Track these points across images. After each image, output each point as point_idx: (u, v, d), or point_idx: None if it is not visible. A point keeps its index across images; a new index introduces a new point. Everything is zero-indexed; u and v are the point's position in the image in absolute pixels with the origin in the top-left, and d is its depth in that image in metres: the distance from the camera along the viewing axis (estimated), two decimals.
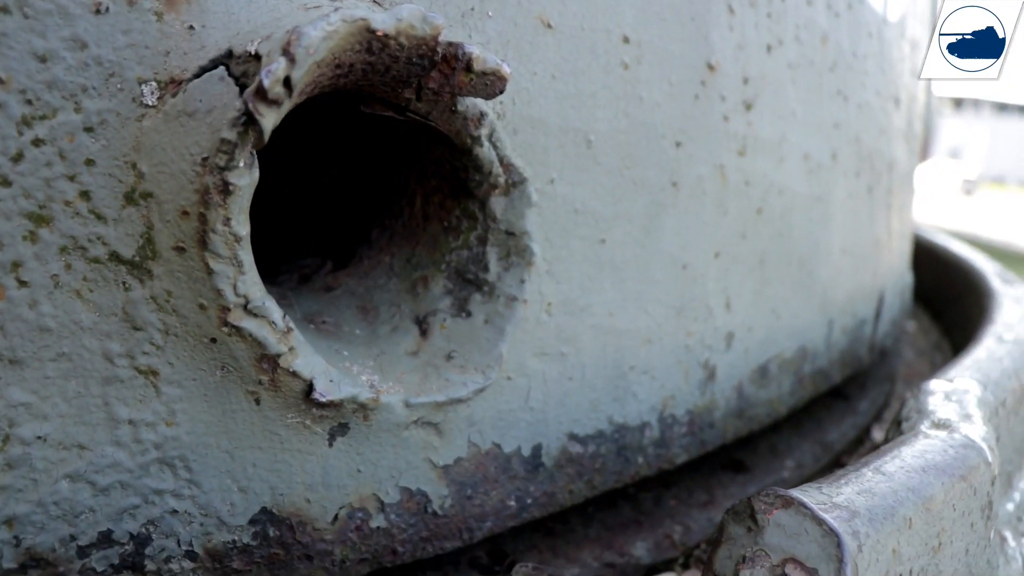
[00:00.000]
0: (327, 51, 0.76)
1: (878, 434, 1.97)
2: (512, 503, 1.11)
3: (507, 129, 1.01)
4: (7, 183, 0.76)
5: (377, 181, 1.15)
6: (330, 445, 0.96)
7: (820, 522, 0.80)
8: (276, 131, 0.80)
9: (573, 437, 1.17)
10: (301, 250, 1.20)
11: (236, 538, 0.93)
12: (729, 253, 1.36)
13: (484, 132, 0.96)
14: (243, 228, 0.82)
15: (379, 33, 0.78)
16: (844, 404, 2.00)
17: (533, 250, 1.05)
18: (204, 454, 0.90)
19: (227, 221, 0.80)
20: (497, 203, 1.03)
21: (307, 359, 0.89)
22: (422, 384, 1.00)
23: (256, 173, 0.81)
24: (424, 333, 1.05)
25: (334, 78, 0.81)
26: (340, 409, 0.93)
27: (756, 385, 1.48)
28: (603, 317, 1.17)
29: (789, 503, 0.82)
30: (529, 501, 1.13)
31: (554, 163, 1.07)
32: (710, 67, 1.24)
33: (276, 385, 0.89)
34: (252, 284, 0.84)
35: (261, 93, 0.74)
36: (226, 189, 0.79)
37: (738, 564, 0.82)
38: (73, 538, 0.85)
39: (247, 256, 0.83)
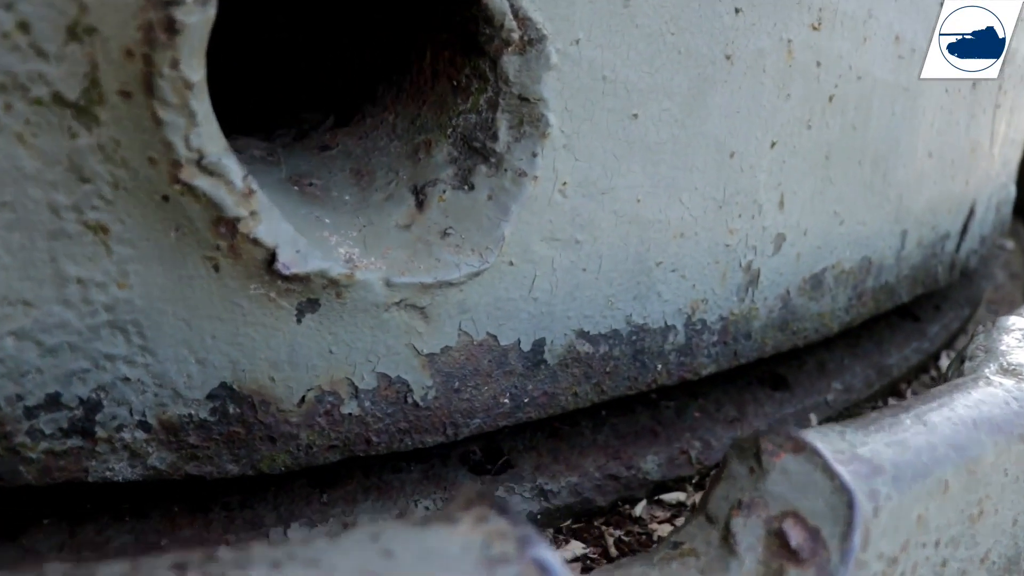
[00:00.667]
0: None
1: (947, 363, 1.81)
2: (506, 400, 1.02)
3: None
4: None
5: (388, 31, 1.03)
6: (298, 322, 0.87)
7: (833, 475, 0.68)
8: None
9: (582, 335, 1.07)
10: (306, 103, 1.10)
11: (193, 412, 0.87)
12: (788, 143, 1.21)
13: None
14: (195, 73, 0.72)
15: None
16: (912, 325, 1.83)
17: (549, 120, 0.94)
18: (159, 320, 0.83)
19: (175, 64, 0.71)
20: (510, 62, 0.91)
21: (271, 225, 0.80)
22: (409, 262, 0.91)
23: (212, 10, 0.71)
24: (420, 205, 0.95)
25: None
26: (308, 283, 0.85)
27: (806, 296, 1.35)
28: (628, 203, 1.05)
29: (801, 447, 0.70)
30: (526, 400, 1.04)
31: (581, 20, 0.93)
32: None
33: (235, 252, 0.81)
34: (207, 137, 0.75)
35: None
36: (171, 27, 0.69)
37: (733, 509, 0.71)
38: (20, 397, 0.80)
39: (201, 105, 0.74)
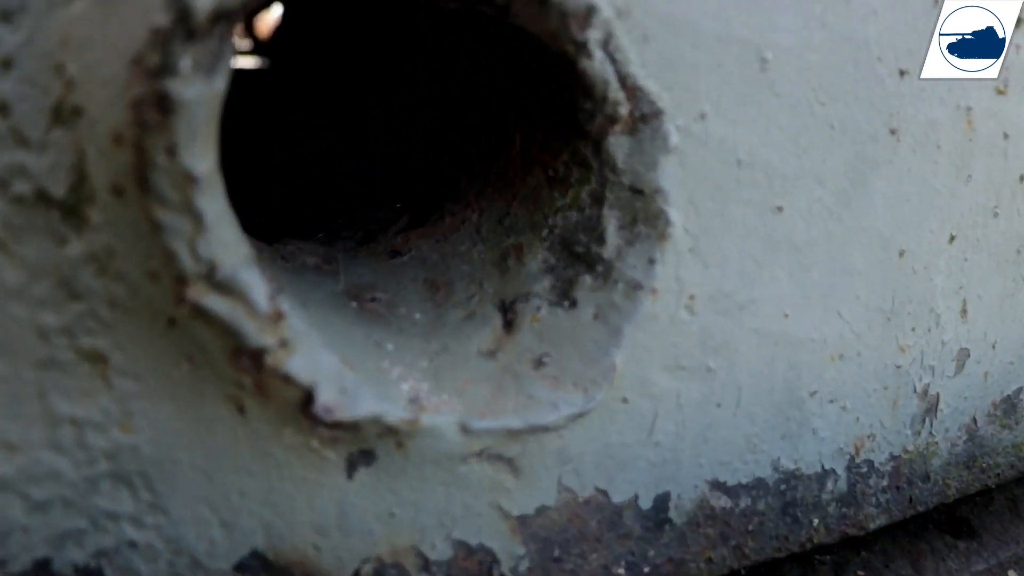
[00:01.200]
0: None
1: None
2: (621, 571, 0.83)
3: (633, 35, 0.71)
4: None
5: (474, 111, 0.87)
6: (349, 477, 0.71)
7: None
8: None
9: (717, 486, 0.87)
10: (378, 200, 0.94)
11: None
12: (970, 237, 1.01)
13: (594, 37, 0.69)
14: (200, 162, 0.57)
15: None
16: None
17: (669, 216, 0.76)
18: (173, 472, 0.68)
19: (172, 151, 0.57)
20: (618, 144, 0.74)
21: (309, 357, 0.64)
22: (493, 400, 0.73)
23: (219, 82, 0.57)
24: (509, 325, 0.78)
25: None
26: (359, 432, 0.68)
27: (997, 424, 1.12)
28: (773, 319, 0.86)
29: None
30: (647, 570, 0.84)
31: (707, 89, 0.77)
32: None
33: (263, 390, 0.66)
34: (220, 245, 0.60)
35: None
36: (164, 103, 0.54)
37: None
38: (2, 563, 0.67)
39: (212, 204, 0.59)
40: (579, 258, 0.78)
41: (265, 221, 0.81)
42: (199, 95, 0.55)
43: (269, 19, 2.64)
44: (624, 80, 0.71)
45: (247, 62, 2.56)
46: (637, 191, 0.75)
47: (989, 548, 1.16)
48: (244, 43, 2.82)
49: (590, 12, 0.66)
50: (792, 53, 0.81)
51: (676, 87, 0.75)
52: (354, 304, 0.77)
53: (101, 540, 0.68)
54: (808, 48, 0.81)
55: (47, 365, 0.64)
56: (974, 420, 1.09)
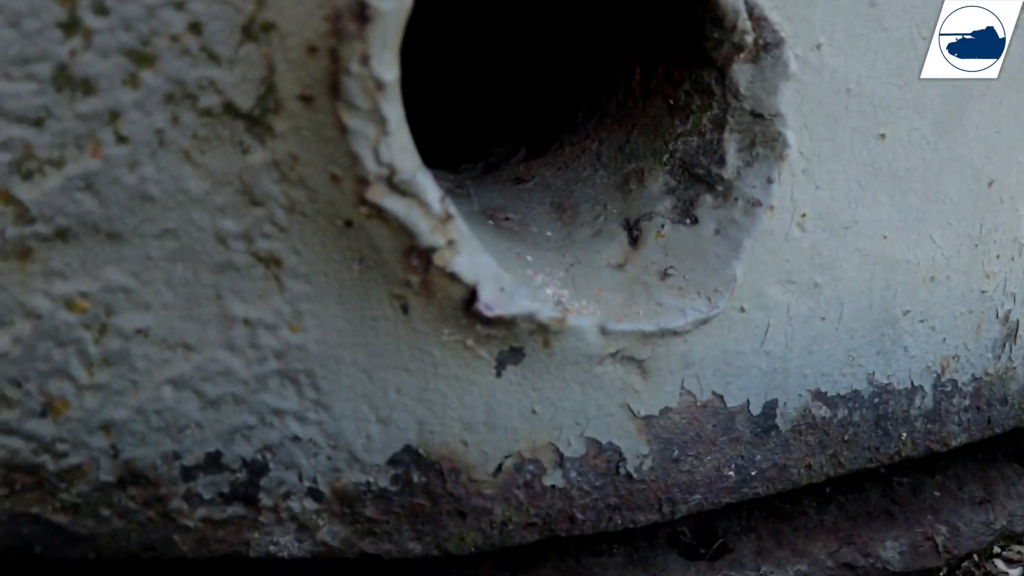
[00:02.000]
0: None
1: None
2: (731, 473, 0.87)
3: None
4: (104, 11, 0.61)
5: (589, 49, 0.91)
6: (498, 375, 0.76)
7: None
8: None
9: (819, 396, 0.92)
10: (493, 137, 0.99)
11: (371, 480, 0.76)
12: None
13: None
14: (389, 71, 0.62)
15: None
16: None
17: (787, 139, 0.81)
18: (336, 370, 0.73)
19: (365, 59, 0.61)
20: (742, 72, 0.79)
21: (472, 257, 0.69)
22: (626, 307, 0.78)
23: None
24: (635, 241, 0.82)
25: None
26: (513, 328, 0.73)
27: None
28: (874, 240, 0.90)
29: None
30: (754, 473, 0.89)
31: (823, 21, 0.81)
32: None
33: (429, 289, 0.70)
34: (400, 150, 0.64)
35: None
36: (363, 14, 0.59)
37: None
38: (177, 456, 0.71)
39: (394, 111, 0.64)
40: (699, 179, 0.82)
41: None
42: (393, 7, 0.59)
43: None
44: (752, 11, 0.75)
45: None
46: (757, 115, 0.79)
47: None
48: None
49: None
50: None
51: (796, 18, 0.79)
52: (491, 222, 0.82)
53: (267, 435, 0.72)
54: None
55: (224, 268, 0.67)
56: None
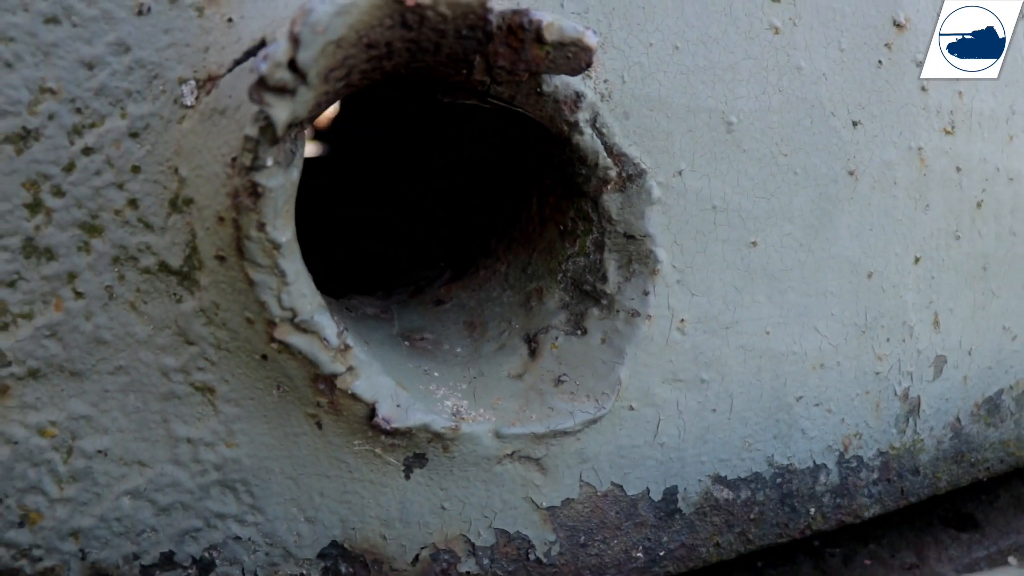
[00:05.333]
0: (345, 28, 0.65)
1: None
2: (639, 555, 0.95)
3: (615, 113, 0.87)
4: (60, 193, 0.73)
5: (496, 182, 1.03)
6: (407, 477, 0.86)
7: None
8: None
9: (719, 480, 0.99)
10: (424, 262, 1.11)
11: (305, 572, 0.85)
12: (935, 258, 1.12)
13: (583, 117, 0.83)
14: (282, 234, 0.74)
15: (410, 4, 0.66)
16: None
17: (658, 256, 0.91)
18: (267, 479, 0.83)
19: (261, 226, 0.73)
20: (612, 200, 0.89)
21: (370, 380, 0.80)
22: (520, 412, 0.88)
23: (295, 173, 0.73)
24: (533, 353, 0.92)
25: (372, 60, 0.71)
26: (412, 438, 0.83)
27: (981, 422, 1.21)
28: (756, 336, 0.99)
29: None
30: (662, 553, 0.97)
31: (681, 151, 0.91)
32: (897, 25, 1.01)
33: (336, 408, 0.81)
34: (299, 296, 0.76)
35: (261, 81, 0.64)
36: (255, 191, 0.71)
37: None
38: (136, 556, 0.81)
39: (291, 265, 0.75)
40: (588, 295, 0.92)
41: (334, 281, 0.98)
42: (280, 184, 0.71)
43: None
44: (611, 149, 0.86)
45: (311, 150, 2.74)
46: (630, 237, 0.89)
47: (990, 538, 1.24)
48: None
49: (578, 97, 0.81)
50: (754, 115, 0.94)
51: (655, 151, 0.89)
52: (406, 343, 0.93)
53: (213, 536, 0.82)
54: (768, 110, 0.95)
55: (168, 397, 0.78)
56: (958, 419, 1.18)
